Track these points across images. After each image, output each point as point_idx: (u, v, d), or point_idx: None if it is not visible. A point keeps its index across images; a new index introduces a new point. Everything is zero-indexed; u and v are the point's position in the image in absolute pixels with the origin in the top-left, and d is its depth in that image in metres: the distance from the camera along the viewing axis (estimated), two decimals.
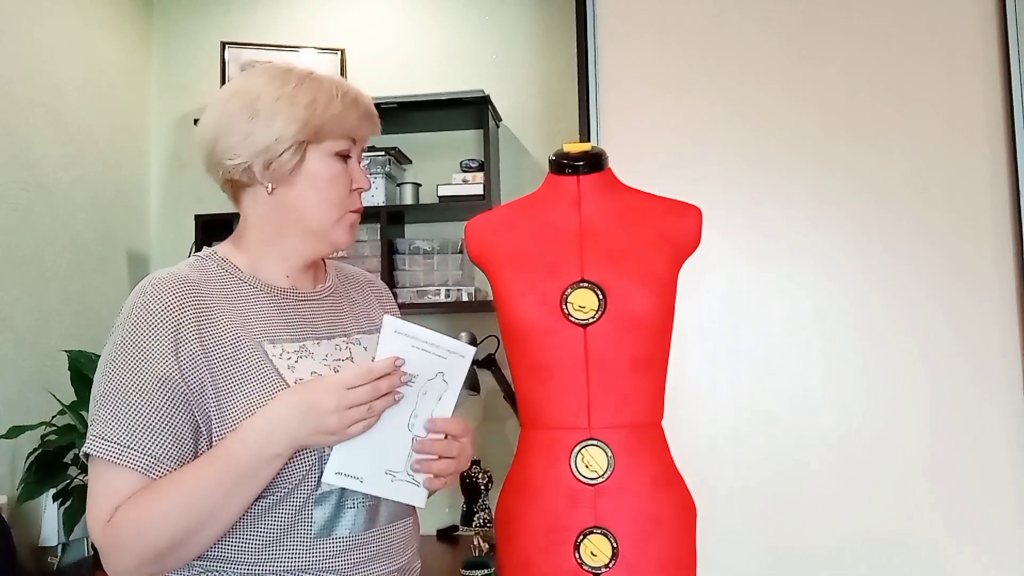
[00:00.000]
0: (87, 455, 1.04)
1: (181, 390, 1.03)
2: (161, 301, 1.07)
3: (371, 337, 1.24)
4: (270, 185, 1.15)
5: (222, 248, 1.22)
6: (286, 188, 1.15)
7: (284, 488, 1.04)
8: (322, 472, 1.04)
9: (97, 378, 1.06)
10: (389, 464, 1.08)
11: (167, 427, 1.02)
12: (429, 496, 1.12)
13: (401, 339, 1.04)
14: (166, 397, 1.03)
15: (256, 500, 1.04)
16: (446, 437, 1.11)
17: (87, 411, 2.18)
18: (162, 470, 1.02)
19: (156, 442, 1.02)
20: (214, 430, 1.04)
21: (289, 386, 1.07)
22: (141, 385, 1.03)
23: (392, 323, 1.04)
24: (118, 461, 1.01)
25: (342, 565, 1.07)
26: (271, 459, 1.01)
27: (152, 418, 1.02)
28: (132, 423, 1.02)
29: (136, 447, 1.01)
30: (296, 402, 1.01)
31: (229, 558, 1.06)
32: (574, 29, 2.31)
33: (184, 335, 1.05)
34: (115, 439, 1.02)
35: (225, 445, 1.01)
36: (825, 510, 2.11)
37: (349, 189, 1.18)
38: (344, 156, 1.17)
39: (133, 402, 1.02)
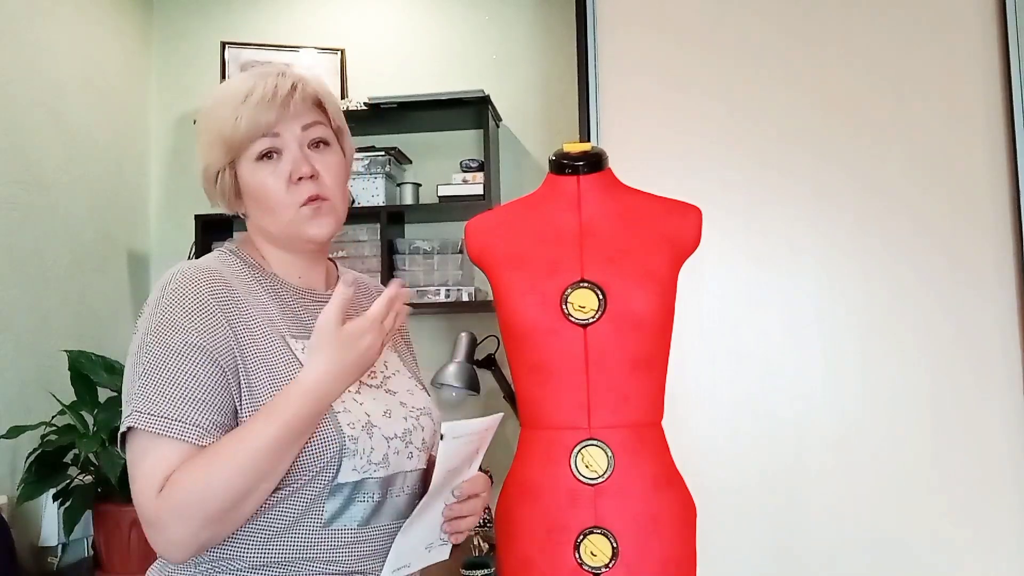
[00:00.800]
0: (129, 429, 1.03)
1: (218, 361, 1.04)
2: (190, 285, 1.08)
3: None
4: (224, 207, 1.19)
5: (242, 245, 1.21)
6: (243, 206, 1.18)
7: (303, 478, 1.05)
8: (341, 464, 1.05)
9: (130, 362, 1.07)
10: (427, 540, 1.15)
11: (209, 397, 1.03)
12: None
13: (457, 442, 1.07)
14: (205, 369, 1.03)
15: (272, 492, 1.05)
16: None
17: (87, 411, 2.20)
18: (210, 440, 1.02)
19: (200, 412, 1.02)
20: (243, 408, 1.05)
21: None
22: (179, 359, 1.03)
23: (451, 431, 1.06)
24: (166, 433, 1.00)
25: (347, 557, 1.08)
26: (325, 410, 1.04)
27: (194, 389, 1.02)
28: (175, 395, 1.02)
29: (182, 419, 1.01)
30: (348, 357, 1.02)
31: (236, 547, 1.06)
32: (574, 29, 2.31)
33: (214, 317, 1.06)
34: (159, 412, 1.01)
35: (283, 403, 1.01)
36: (825, 509, 2.11)
37: (287, 184, 1.12)
38: (268, 154, 1.12)
39: (173, 376, 1.03)
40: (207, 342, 1.04)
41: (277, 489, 1.04)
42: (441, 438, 1.04)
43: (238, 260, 1.17)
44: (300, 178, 1.11)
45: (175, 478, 0.99)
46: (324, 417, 1.05)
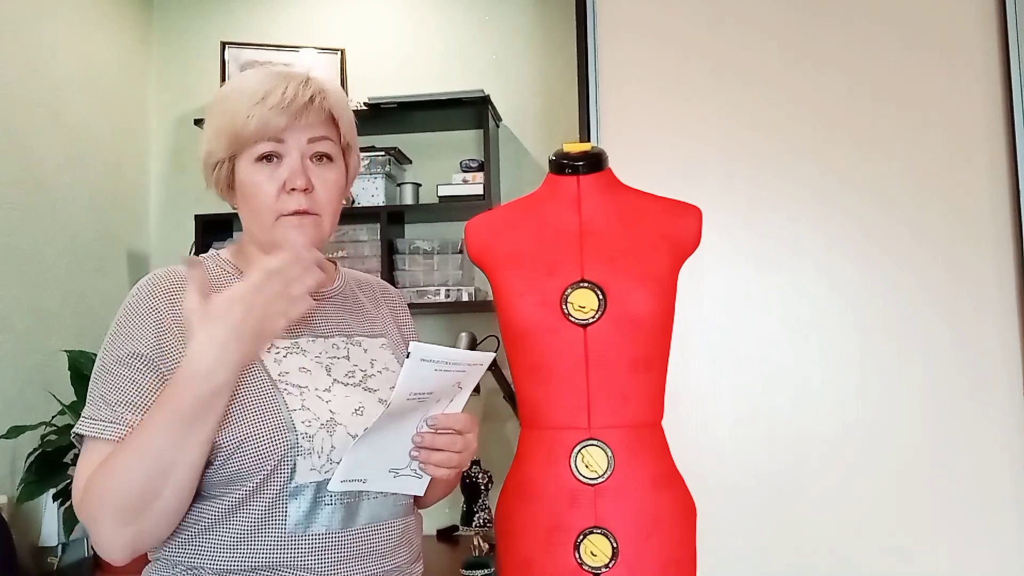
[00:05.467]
0: (79, 437, 1.06)
1: (160, 369, 1.05)
2: (148, 293, 1.11)
3: (373, 340, 1.23)
4: (219, 195, 1.19)
5: (225, 250, 1.23)
6: (235, 199, 1.18)
7: (256, 478, 1.04)
8: (295, 464, 1.04)
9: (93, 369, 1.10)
10: (393, 463, 1.09)
11: (145, 401, 1.04)
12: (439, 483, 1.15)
13: (426, 366, 1.01)
14: (144, 374, 1.05)
15: (228, 493, 1.04)
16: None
17: None
18: None
19: (134, 414, 1.03)
20: None
21: (272, 378, 1.08)
22: (120, 365, 1.06)
23: (419, 351, 0.99)
24: (99, 435, 1.03)
25: (318, 563, 1.06)
26: (218, 391, 0.98)
27: (131, 393, 1.04)
28: (112, 398, 1.04)
29: (115, 419, 1.03)
30: (220, 330, 0.97)
31: (206, 554, 1.05)
32: (574, 29, 2.31)
33: (166, 323, 1.07)
34: (97, 416, 1.04)
35: (170, 390, 1.00)
36: (825, 510, 2.11)
37: (279, 191, 1.11)
38: (269, 157, 1.12)
39: (112, 381, 1.05)
40: (151, 351, 1.06)
41: (232, 492, 1.04)
42: (407, 356, 0.98)
43: (215, 265, 1.18)
44: (293, 189, 1.11)
45: (89, 478, 1.01)
46: (273, 413, 1.04)
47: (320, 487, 1.06)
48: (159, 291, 1.10)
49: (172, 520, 1.03)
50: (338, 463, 1.06)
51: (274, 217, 1.12)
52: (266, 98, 1.09)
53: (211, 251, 1.23)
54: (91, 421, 1.04)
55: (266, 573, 1.05)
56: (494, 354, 1.10)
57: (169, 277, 1.12)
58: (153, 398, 1.04)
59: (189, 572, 1.06)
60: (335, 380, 1.13)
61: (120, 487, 0.99)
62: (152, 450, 0.98)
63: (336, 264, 1.32)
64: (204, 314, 0.98)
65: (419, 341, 1.09)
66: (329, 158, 1.16)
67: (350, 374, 1.16)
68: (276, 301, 0.99)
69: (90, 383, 1.08)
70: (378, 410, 1.11)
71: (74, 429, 1.06)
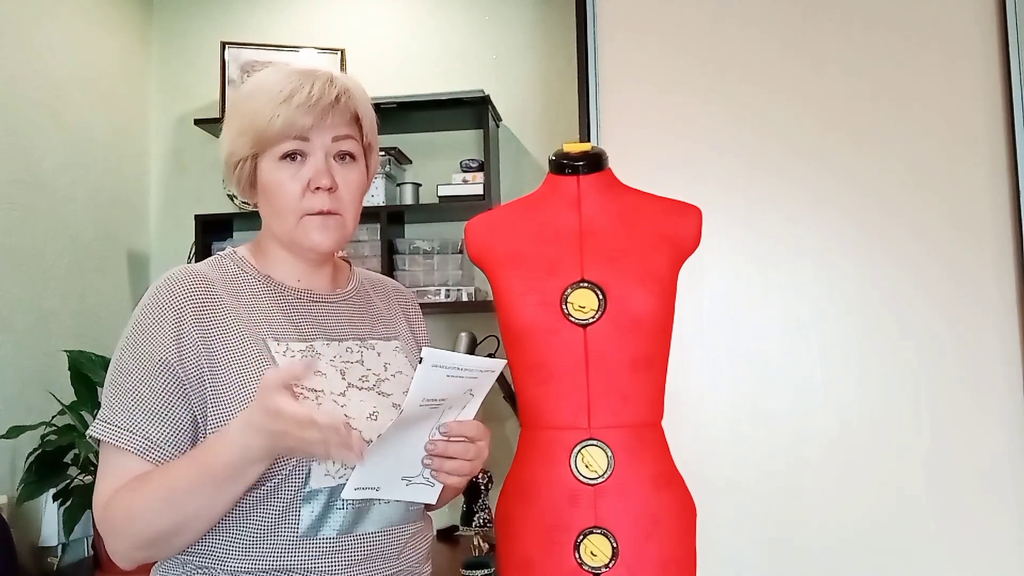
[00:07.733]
0: (96, 440, 1.06)
1: (179, 376, 1.05)
2: (168, 292, 1.09)
3: (387, 344, 1.23)
4: (239, 195, 1.18)
5: (242, 248, 1.22)
6: (256, 197, 1.17)
7: (271, 482, 1.04)
8: (310, 469, 1.04)
9: (109, 367, 1.10)
10: (405, 471, 1.09)
11: (165, 411, 1.04)
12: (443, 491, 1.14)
13: (438, 371, 1.00)
14: (165, 381, 1.05)
15: (242, 495, 1.04)
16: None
17: (87, 411, 2.21)
18: (159, 454, 1.03)
19: (153, 425, 1.03)
20: (209, 419, 1.05)
21: None
22: (141, 369, 1.05)
23: (431, 357, 0.98)
24: (118, 443, 1.03)
25: (328, 566, 1.06)
26: (252, 463, 0.98)
27: (151, 401, 1.04)
28: (132, 406, 1.04)
29: (134, 430, 1.03)
30: (266, 430, 0.94)
31: (217, 555, 1.06)
32: (574, 29, 2.31)
33: (186, 325, 1.07)
34: (116, 422, 1.04)
35: (208, 445, 1.00)
36: (824, 510, 2.11)
37: (303, 190, 1.11)
38: (293, 155, 1.12)
39: (133, 386, 1.05)
40: (171, 356, 1.05)
41: (247, 494, 1.04)
42: (420, 361, 0.98)
43: (233, 264, 1.18)
44: (317, 188, 1.11)
45: (114, 497, 1.02)
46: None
47: (334, 492, 1.06)
48: (179, 291, 1.09)
49: (188, 545, 1.05)
50: (352, 469, 1.06)
51: (298, 217, 1.12)
52: (291, 97, 1.09)
53: (228, 249, 1.22)
54: (107, 426, 1.04)
55: (276, 575, 1.05)
56: (505, 361, 1.10)
57: (188, 276, 1.11)
58: (170, 405, 1.04)
59: (199, 572, 1.07)
60: (350, 384, 1.13)
61: (142, 524, 1.01)
62: (179, 499, 0.99)
63: (350, 264, 1.31)
64: (260, 399, 0.94)
65: (430, 343, 1.08)
66: (352, 157, 1.16)
67: (364, 378, 1.15)
68: (310, 445, 0.94)
69: (107, 381, 1.08)
70: (391, 415, 1.11)
71: (90, 431, 1.06)
